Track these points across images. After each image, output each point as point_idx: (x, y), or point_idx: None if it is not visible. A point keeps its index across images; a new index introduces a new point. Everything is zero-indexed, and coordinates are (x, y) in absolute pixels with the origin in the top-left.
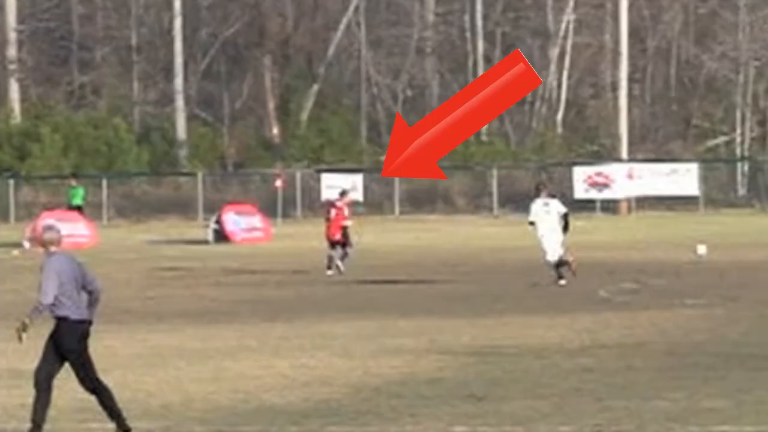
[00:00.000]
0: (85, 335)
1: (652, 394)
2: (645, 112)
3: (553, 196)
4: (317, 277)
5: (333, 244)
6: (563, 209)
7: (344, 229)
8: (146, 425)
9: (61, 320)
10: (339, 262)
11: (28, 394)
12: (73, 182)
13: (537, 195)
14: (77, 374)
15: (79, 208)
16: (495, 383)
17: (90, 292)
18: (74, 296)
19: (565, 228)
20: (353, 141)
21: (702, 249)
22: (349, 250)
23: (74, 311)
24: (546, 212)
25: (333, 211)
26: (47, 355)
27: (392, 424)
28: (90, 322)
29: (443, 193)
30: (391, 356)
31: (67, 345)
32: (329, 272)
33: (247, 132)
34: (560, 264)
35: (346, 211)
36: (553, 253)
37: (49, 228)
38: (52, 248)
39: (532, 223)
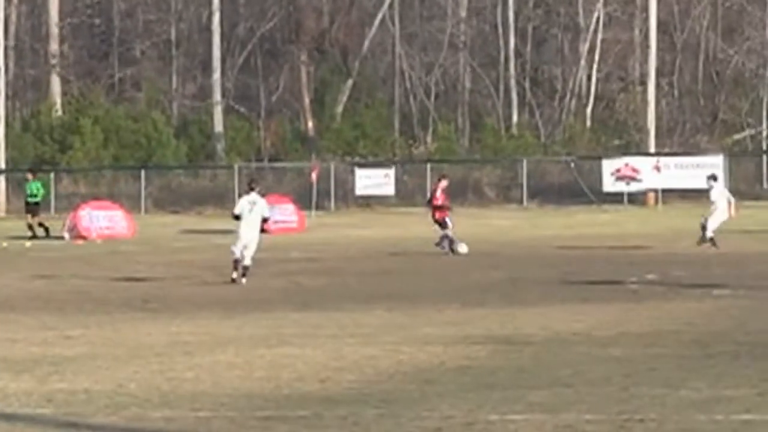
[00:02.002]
0: None
1: (676, 383)
2: (672, 106)
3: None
4: (349, 266)
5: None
6: None
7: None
8: (178, 413)
9: None
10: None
11: (64, 379)
12: (30, 176)
13: None
14: None
15: (36, 204)
16: (522, 371)
17: None
18: None
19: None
20: (386, 134)
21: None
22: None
23: None
24: None
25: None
26: None
27: (422, 409)
28: None
29: (474, 184)
30: (421, 344)
31: None
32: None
33: (283, 125)
34: None
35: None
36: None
37: None
38: None
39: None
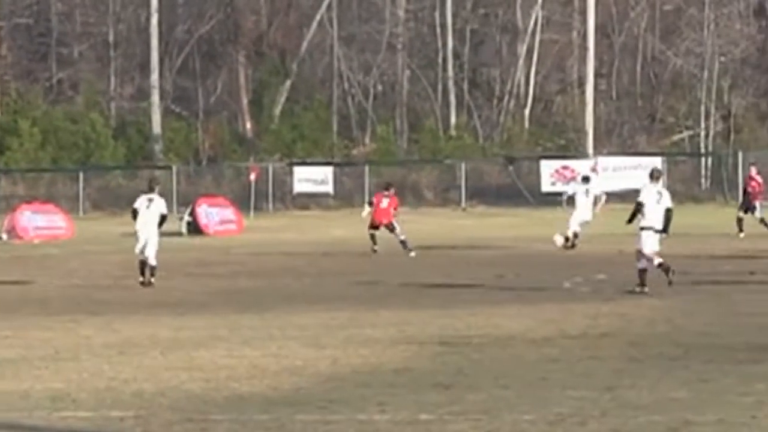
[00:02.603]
0: None
1: (615, 383)
2: (611, 108)
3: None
4: (287, 268)
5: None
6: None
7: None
8: (119, 413)
9: None
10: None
11: (2, 383)
12: None
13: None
14: None
15: None
16: (461, 373)
17: None
18: None
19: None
20: (325, 135)
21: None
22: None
23: None
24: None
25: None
26: None
27: (360, 413)
28: None
29: (412, 186)
30: (360, 346)
31: None
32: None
33: (221, 126)
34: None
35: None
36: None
37: None
38: None
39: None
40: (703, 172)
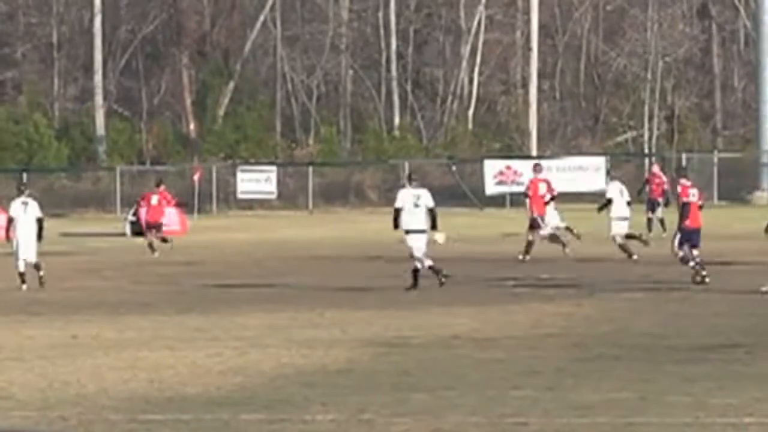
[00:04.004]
0: None
1: (558, 385)
2: (554, 108)
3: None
4: (231, 269)
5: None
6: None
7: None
8: (62, 413)
9: None
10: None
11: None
12: None
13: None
14: None
15: None
16: (405, 373)
17: None
18: None
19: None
20: (268, 136)
21: (440, 237)
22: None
23: None
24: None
25: None
26: None
27: (304, 413)
28: None
29: (356, 186)
30: (303, 347)
31: None
32: None
33: (165, 127)
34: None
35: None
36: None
37: None
38: None
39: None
40: (646, 174)
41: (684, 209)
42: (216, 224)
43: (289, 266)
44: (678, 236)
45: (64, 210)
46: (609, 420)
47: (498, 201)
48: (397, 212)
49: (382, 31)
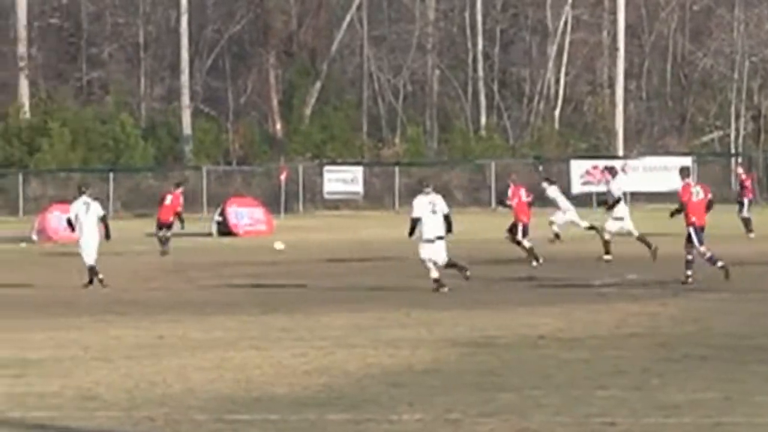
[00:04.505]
0: None
1: (644, 386)
2: (641, 108)
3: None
4: (317, 269)
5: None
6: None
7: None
8: (148, 413)
9: None
10: None
11: (33, 382)
12: None
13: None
14: None
15: None
16: (492, 373)
17: None
18: None
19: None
20: (354, 136)
21: (279, 245)
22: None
23: None
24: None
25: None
26: None
27: (390, 413)
28: None
29: (442, 186)
30: (390, 347)
31: None
32: None
33: (251, 127)
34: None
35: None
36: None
37: None
38: None
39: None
40: (732, 173)
41: (688, 208)
42: (302, 224)
43: (375, 266)
44: (694, 237)
45: (150, 210)
46: (695, 420)
47: (584, 201)
48: (415, 222)
49: (468, 31)
